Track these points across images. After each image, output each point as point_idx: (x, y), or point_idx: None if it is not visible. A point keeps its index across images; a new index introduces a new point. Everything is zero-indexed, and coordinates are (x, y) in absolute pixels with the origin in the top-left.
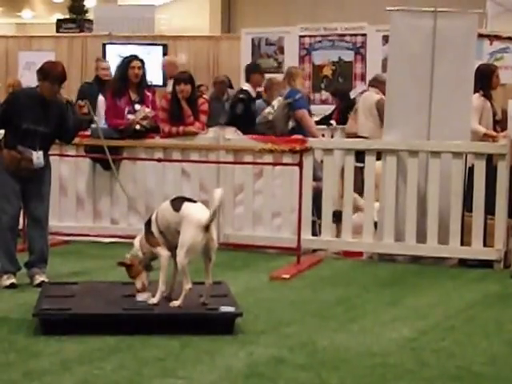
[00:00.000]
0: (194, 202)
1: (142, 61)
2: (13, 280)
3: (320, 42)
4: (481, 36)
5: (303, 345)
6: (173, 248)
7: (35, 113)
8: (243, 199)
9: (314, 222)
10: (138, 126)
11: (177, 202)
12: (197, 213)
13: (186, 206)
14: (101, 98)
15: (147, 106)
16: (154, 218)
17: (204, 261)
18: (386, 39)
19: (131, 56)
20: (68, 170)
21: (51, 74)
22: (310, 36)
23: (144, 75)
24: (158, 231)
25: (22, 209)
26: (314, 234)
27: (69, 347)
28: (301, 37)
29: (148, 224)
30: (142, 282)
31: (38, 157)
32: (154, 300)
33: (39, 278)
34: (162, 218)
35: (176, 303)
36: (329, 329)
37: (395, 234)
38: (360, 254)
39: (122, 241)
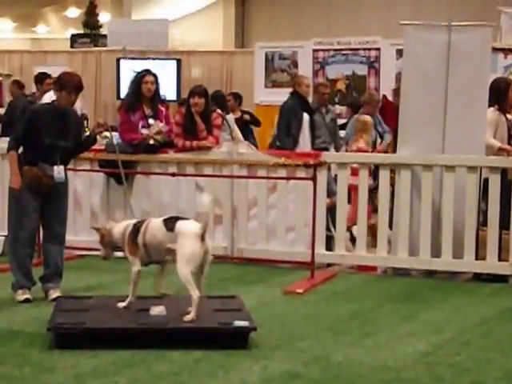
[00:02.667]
0: (187, 219)
1: (155, 75)
2: (27, 295)
3: (334, 56)
4: (495, 49)
5: (317, 359)
6: (150, 263)
7: (55, 127)
8: (257, 213)
9: (328, 237)
10: (151, 141)
11: (170, 222)
12: (190, 226)
13: (180, 224)
14: (306, 116)
15: (161, 121)
16: (142, 230)
17: (196, 273)
18: (399, 53)
19: (144, 71)
20: (82, 184)
21: (68, 83)
22: (324, 50)
23: (158, 90)
24: (142, 244)
25: (38, 223)
26: (329, 248)
27: (83, 361)
28: (314, 51)
29: (135, 233)
30: (104, 255)
31: (58, 171)
32: (123, 304)
33: (54, 294)
34: (151, 236)
35: (189, 317)
36: (343, 343)
37: (409, 248)
38: (374, 268)
39: None
